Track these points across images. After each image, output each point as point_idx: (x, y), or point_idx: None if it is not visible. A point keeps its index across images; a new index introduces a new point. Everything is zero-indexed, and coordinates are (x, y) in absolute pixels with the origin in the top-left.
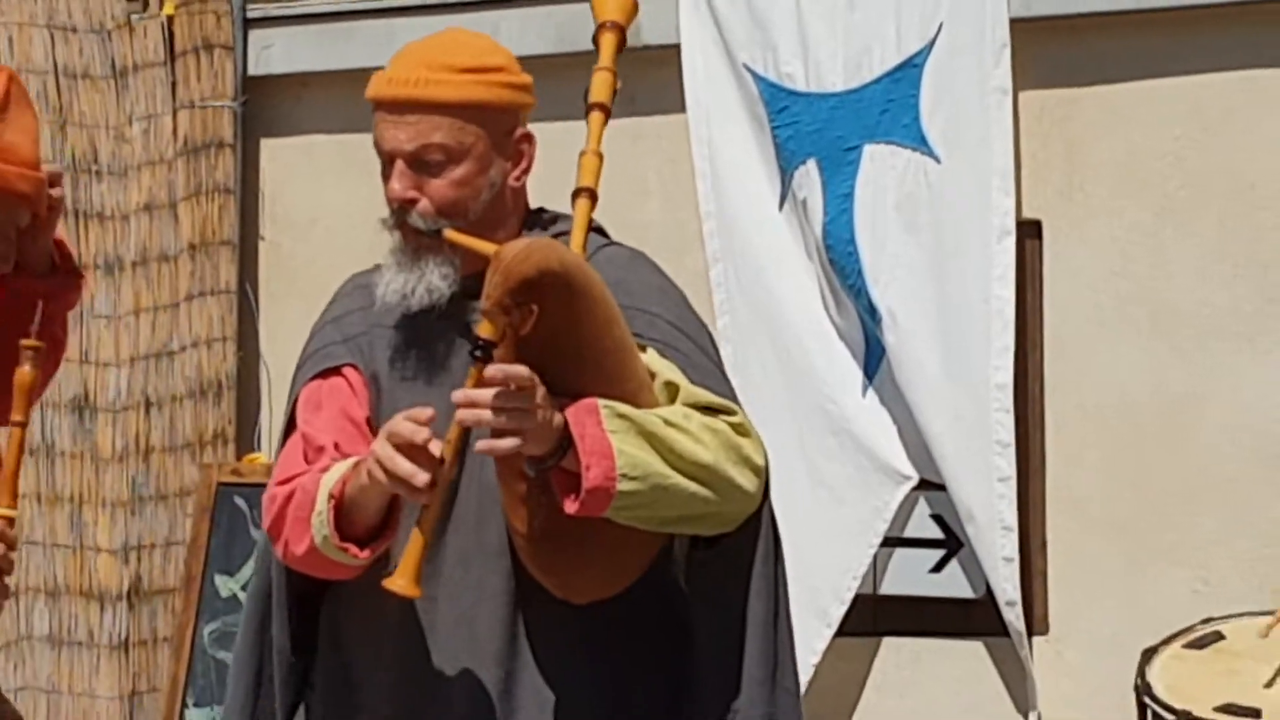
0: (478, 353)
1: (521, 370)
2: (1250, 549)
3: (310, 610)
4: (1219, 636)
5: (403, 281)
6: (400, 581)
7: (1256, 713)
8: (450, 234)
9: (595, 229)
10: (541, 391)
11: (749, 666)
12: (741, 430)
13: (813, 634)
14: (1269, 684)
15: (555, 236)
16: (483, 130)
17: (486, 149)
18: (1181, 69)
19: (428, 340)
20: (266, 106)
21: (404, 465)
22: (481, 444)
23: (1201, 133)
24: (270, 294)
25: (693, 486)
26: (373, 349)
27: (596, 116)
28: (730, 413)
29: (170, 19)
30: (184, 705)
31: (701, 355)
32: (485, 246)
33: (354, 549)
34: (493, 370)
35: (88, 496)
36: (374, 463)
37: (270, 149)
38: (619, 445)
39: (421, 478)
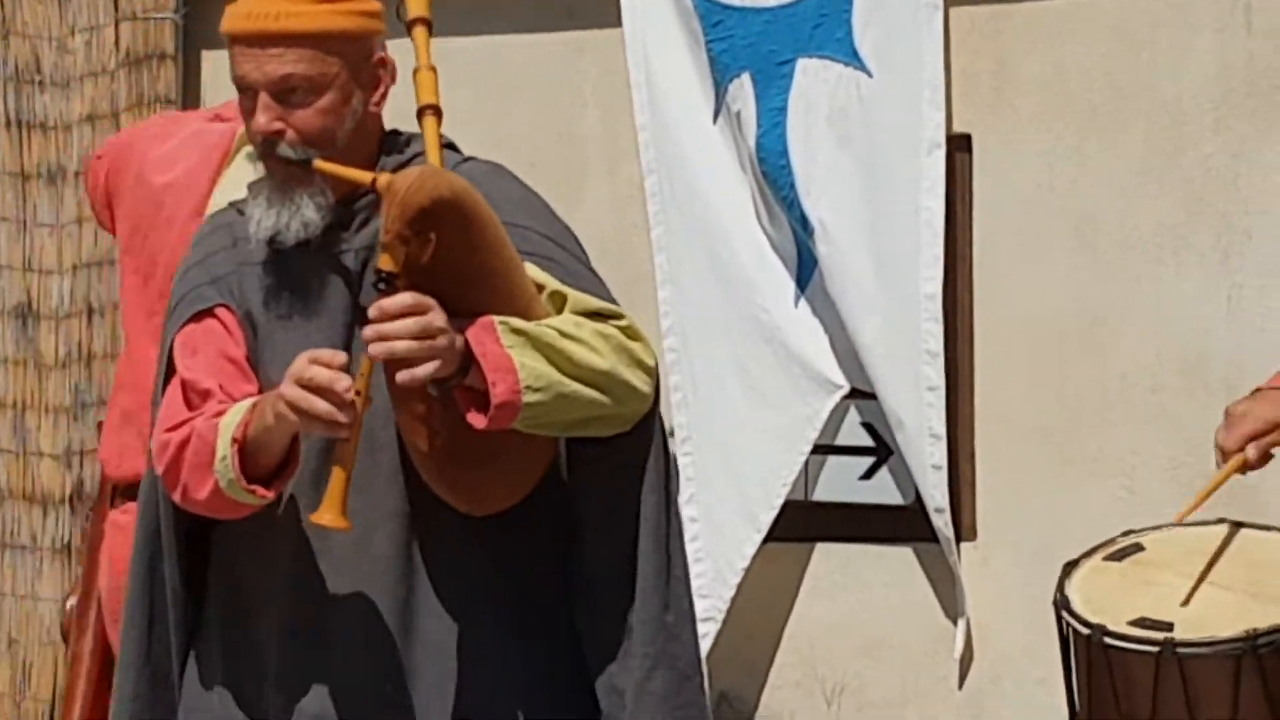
0: (381, 285)
1: (424, 298)
2: (1171, 457)
3: (199, 546)
4: (1139, 548)
5: (275, 217)
6: (327, 515)
7: (1169, 626)
8: (320, 164)
9: (446, 145)
10: (443, 315)
11: (643, 558)
12: (631, 334)
13: (743, 539)
14: (1185, 602)
15: (412, 157)
16: (342, 59)
17: (348, 77)
18: None
19: (301, 275)
20: (207, 18)
21: (322, 406)
22: (403, 375)
23: (1127, 49)
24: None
25: (591, 392)
26: (243, 288)
27: (420, 31)
28: (618, 317)
29: None
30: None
31: (576, 262)
32: (359, 175)
33: (260, 489)
34: (397, 301)
35: (30, 402)
36: (285, 405)
37: (211, 60)
38: (519, 359)
39: (342, 416)
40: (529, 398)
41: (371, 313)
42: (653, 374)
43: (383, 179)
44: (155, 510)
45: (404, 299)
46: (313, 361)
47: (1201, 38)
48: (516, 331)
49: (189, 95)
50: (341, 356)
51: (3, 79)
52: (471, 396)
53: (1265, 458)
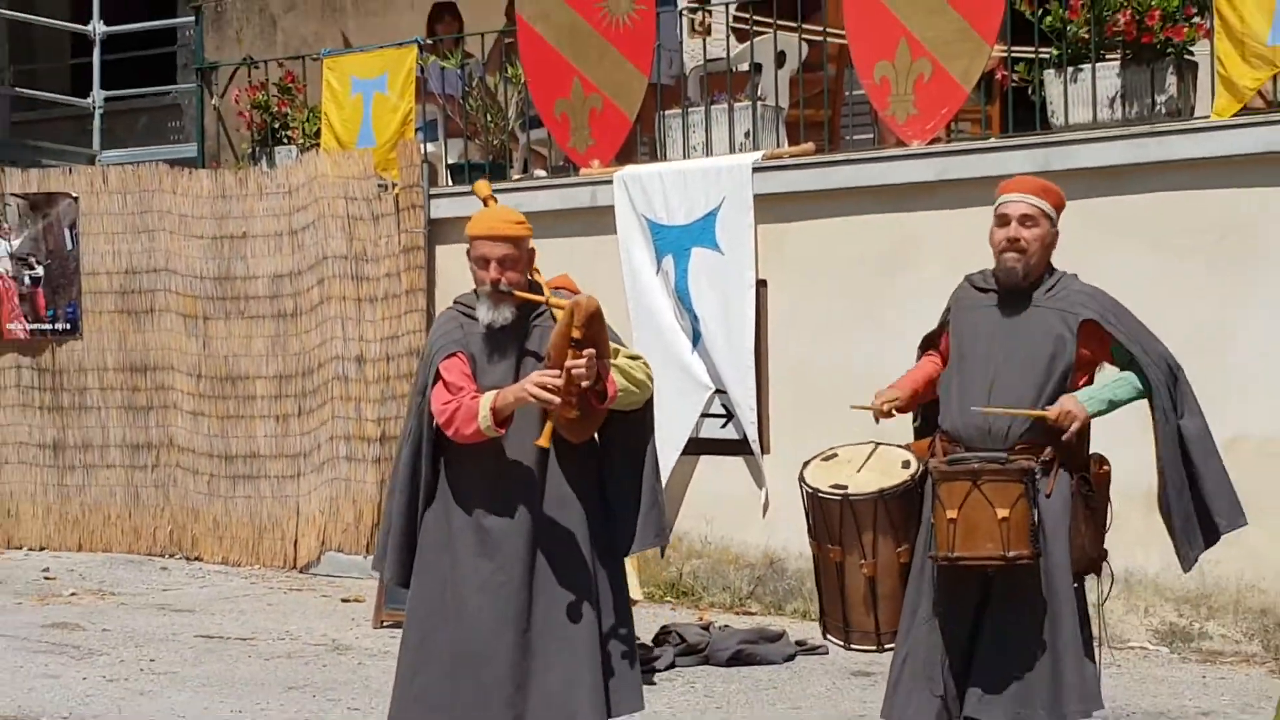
0: (573, 345)
1: (590, 351)
2: (861, 426)
3: (440, 455)
4: (835, 455)
5: (491, 314)
6: (543, 440)
7: (846, 488)
8: (518, 294)
9: (557, 287)
10: (594, 358)
11: (646, 462)
12: (646, 365)
13: (670, 455)
14: (853, 478)
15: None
16: (521, 248)
17: (526, 256)
18: (832, 215)
19: (501, 341)
20: (440, 232)
21: (545, 394)
22: (577, 373)
23: (836, 243)
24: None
25: (636, 390)
26: (469, 345)
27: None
28: (640, 358)
29: (398, 195)
30: None
31: (616, 335)
32: (537, 298)
33: (499, 430)
34: (586, 352)
35: (362, 398)
36: (525, 393)
37: (442, 250)
38: (616, 378)
39: (554, 399)
40: (620, 395)
41: (570, 355)
42: (653, 380)
43: (554, 300)
44: (419, 437)
45: (588, 351)
46: (541, 374)
47: (869, 243)
48: (614, 365)
49: (430, 267)
50: (558, 376)
51: (349, 259)
52: (594, 394)
53: (889, 414)
